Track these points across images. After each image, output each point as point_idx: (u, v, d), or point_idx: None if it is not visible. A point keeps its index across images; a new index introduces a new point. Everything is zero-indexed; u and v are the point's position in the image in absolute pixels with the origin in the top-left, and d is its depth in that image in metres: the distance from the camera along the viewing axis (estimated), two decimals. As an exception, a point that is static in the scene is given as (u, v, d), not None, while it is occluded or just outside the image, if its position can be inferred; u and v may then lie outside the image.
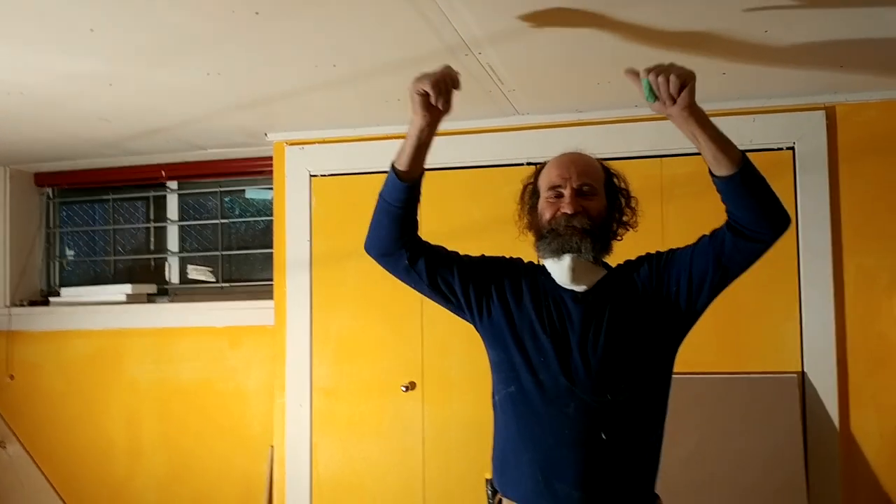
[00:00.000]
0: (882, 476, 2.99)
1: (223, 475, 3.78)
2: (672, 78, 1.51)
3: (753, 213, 1.60)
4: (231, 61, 2.54)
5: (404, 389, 3.35)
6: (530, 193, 1.89)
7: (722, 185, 1.60)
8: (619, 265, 1.85)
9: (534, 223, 1.84)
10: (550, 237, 1.74)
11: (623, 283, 1.79)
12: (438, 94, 1.64)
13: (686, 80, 1.52)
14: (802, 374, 3.04)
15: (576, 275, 1.74)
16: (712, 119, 1.60)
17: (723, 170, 1.58)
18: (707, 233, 1.72)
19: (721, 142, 1.58)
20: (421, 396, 3.36)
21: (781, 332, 3.08)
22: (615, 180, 1.87)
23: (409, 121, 1.71)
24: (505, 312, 1.80)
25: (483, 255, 1.92)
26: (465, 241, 3.29)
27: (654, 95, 1.56)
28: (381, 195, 1.80)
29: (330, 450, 3.46)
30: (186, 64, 2.56)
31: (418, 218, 1.84)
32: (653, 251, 1.84)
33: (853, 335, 3.04)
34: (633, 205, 1.88)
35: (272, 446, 3.59)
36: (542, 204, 1.81)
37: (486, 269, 1.86)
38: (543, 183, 1.82)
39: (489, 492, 1.86)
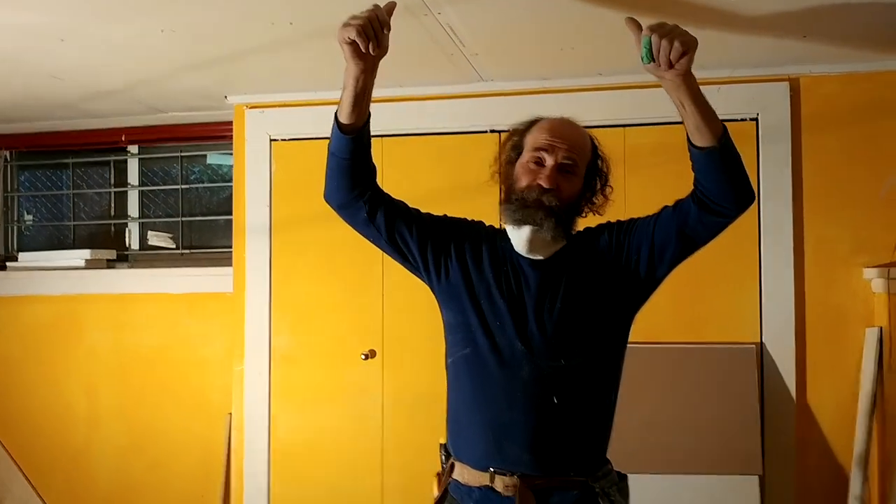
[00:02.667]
0: (835, 445, 3.02)
1: (182, 443, 3.75)
2: (676, 44, 1.43)
3: (724, 187, 1.58)
4: (186, 17, 2.46)
5: (364, 357, 3.33)
6: (513, 145, 1.84)
7: (699, 155, 1.56)
8: (578, 232, 1.83)
9: (507, 179, 1.81)
10: (517, 205, 1.72)
11: (582, 250, 1.78)
12: (367, 40, 1.57)
13: (688, 48, 1.44)
14: (761, 345, 3.05)
15: (533, 246, 1.73)
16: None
17: (704, 141, 1.54)
18: (669, 203, 1.70)
19: (707, 113, 1.53)
20: (381, 364, 3.34)
21: (741, 303, 3.09)
22: (599, 162, 1.83)
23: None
24: (463, 274, 1.78)
25: (445, 215, 1.90)
26: (428, 208, 3.29)
27: (651, 56, 1.47)
28: (328, 148, 1.76)
29: (289, 417, 3.44)
30: (141, 19, 2.48)
31: (375, 170, 1.81)
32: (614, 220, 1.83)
33: (812, 307, 3.06)
34: (607, 193, 1.85)
35: (230, 414, 3.55)
36: (521, 165, 1.77)
37: (446, 229, 1.84)
38: (530, 141, 1.78)
39: (443, 456, 1.86)
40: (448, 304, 1.82)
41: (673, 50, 1.44)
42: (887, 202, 2.99)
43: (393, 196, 1.85)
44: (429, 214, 1.87)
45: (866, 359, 2.98)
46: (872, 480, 2.95)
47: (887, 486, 2.87)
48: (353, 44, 1.58)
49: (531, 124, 1.82)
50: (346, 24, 1.57)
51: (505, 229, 1.81)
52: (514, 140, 1.84)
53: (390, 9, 1.64)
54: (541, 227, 1.69)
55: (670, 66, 1.46)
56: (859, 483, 2.90)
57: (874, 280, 2.98)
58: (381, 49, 1.62)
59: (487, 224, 1.89)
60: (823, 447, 3.03)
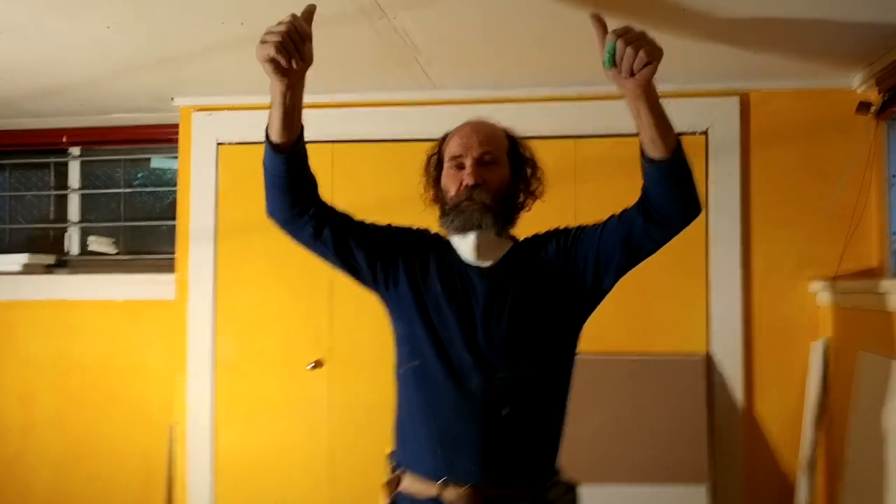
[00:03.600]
0: (781, 456, 3.05)
1: (122, 454, 3.62)
2: (641, 54, 1.39)
3: (672, 200, 1.56)
4: (133, 12, 2.38)
5: (310, 367, 3.26)
6: (435, 164, 1.85)
7: (652, 167, 1.54)
8: (526, 239, 1.83)
9: (438, 196, 1.81)
10: (453, 214, 1.71)
11: (529, 257, 1.76)
12: (288, 55, 1.46)
13: (653, 58, 1.41)
14: (708, 356, 3.07)
15: (481, 251, 1.72)
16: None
17: (657, 153, 1.51)
18: (616, 213, 1.69)
19: (663, 125, 1.50)
20: (328, 374, 3.28)
21: (689, 315, 3.11)
22: (520, 149, 1.83)
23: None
24: (411, 285, 1.76)
25: (390, 225, 1.87)
26: (378, 216, 3.25)
27: (613, 61, 1.43)
28: (263, 164, 1.69)
29: (233, 429, 3.35)
30: (84, 13, 2.39)
31: (316, 183, 1.76)
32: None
33: (759, 318, 3.09)
34: (538, 175, 1.84)
35: (171, 425, 3.45)
36: (444, 177, 1.78)
37: (393, 240, 1.82)
38: (446, 153, 1.79)
39: (390, 466, 1.83)
40: (398, 315, 1.80)
41: (637, 59, 1.40)
42: (833, 217, 3.04)
43: (337, 208, 1.81)
44: (374, 225, 1.84)
45: (812, 370, 3.02)
46: (819, 488, 2.99)
47: (834, 493, 2.91)
48: (273, 61, 1.47)
49: (444, 139, 1.84)
50: (263, 41, 1.47)
51: (449, 241, 1.80)
52: (433, 160, 1.86)
53: (309, 15, 1.54)
54: (481, 226, 1.68)
55: (632, 74, 1.42)
56: (805, 491, 2.93)
57: (820, 293, 3.03)
58: (305, 62, 1.52)
59: (433, 232, 1.87)
60: (771, 456, 3.06)
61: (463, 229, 1.70)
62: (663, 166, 1.52)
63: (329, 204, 1.79)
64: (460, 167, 1.74)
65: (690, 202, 1.57)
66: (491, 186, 1.71)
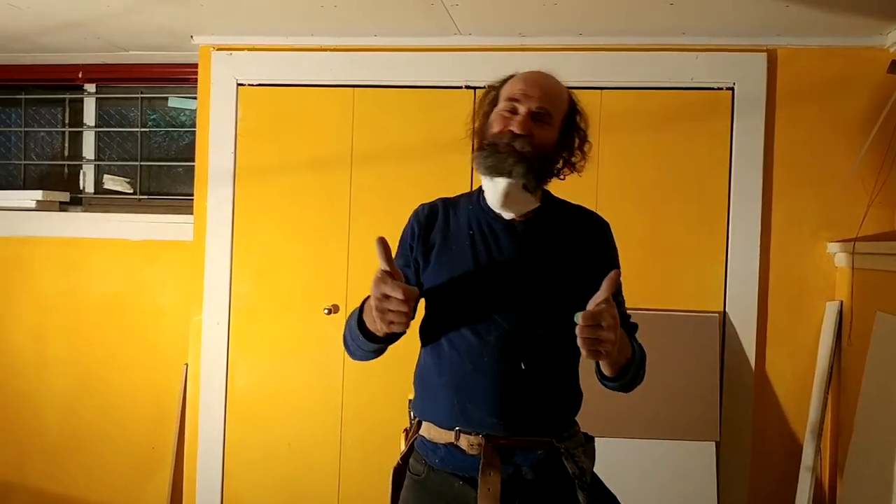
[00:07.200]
0: (790, 414, 3.07)
1: (134, 392, 3.65)
2: (590, 347, 1.48)
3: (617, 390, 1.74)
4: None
5: (327, 312, 3.27)
6: (490, 100, 1.78)
7: (603, 379, 1.70)
8: (563, 202, 1.81)
9: (481, 130, 1.77)
10: (488, 151, 1.67)
11: (564, 222, 1.76)
12: (409, 322, 1.52)
13: (599, 357, 1.51)
14: (724, 314, 3.08)
15: (508, 200, 1.68)
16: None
17: (610, 375, 1.66)
18: (629, 317, 1.78)
19: (618, 366, 1.64)
20: (343, 320, 3.27)
21: (707, 273, 3.11)
22: (577, 118, 1.78)
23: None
24: (429, 257, 1.75)
25: (401, 245, 1.83)
26: (399, 162, 3.25)
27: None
28: (347, 331, 1.77)
29: (247, 370, 3.37)
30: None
31: None
32: (596, 211, 1.84)
33: (775, 278, 3.09)
34: (584, 149, 1.81)
35: (186, 364, 3.48)
36: (495, 115, 1.72)
37: (411, 251, 1.79)
38: (504, 93, 1.73)
39: (411, 412, 1.83)
40: (427, 283, 1.77)
41: (588, 350, 1.48)
42: (856, 178, 3.02)
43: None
44: (402, 253, 1.81)
45: (825, 332, 3.03)
46: (825, 451, 3.02)
47: (839, 457, 2.93)
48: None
49: (508, 78, 1.78)
50: (382, 316, 1.51)
51: (459, 198, 1.81)
52: (490, 95, 1.79)
53: (414, 295, 1.54)
54: (510, 174, 1.64)
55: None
56: (811, 454, 2.95)
57: (837, 254, 3.02)
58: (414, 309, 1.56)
59: (426, 205, 1.83)
60: (779, 416, 3.08)
61: (493, 171, 1.65)
62: (613, 384, 1.70)
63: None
64: (513, 112, 1.69)
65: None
66: (534, 141, 1.66)
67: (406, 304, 1.49)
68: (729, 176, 3.09)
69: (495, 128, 1.69)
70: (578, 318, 1.47)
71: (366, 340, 1.69)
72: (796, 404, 3.06)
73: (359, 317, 1.69)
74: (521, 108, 1.68)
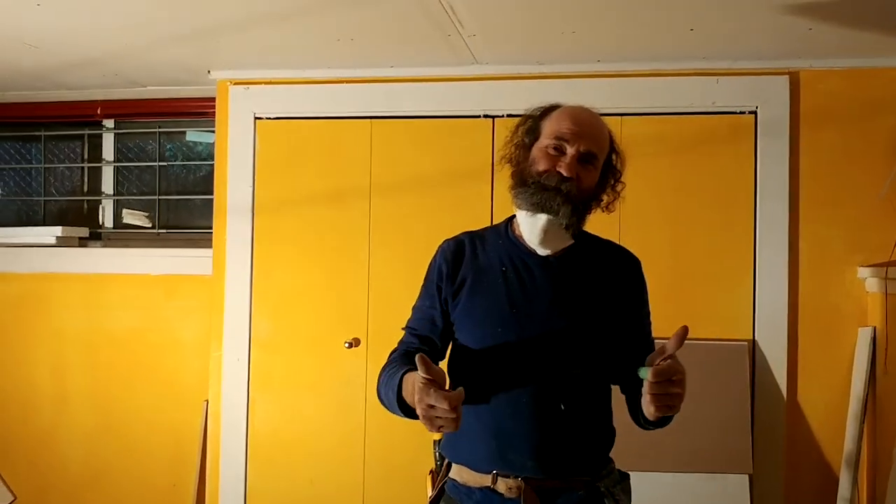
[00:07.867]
0: (825, 446, 2.99)
1: (155, 428, 3.63)
2: (666, 403, 1.47)
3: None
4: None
5: (348, 346, 3.23)
6: (528, 129, 1.73)
7: (642, 421, 1.67)
8: (595, 237, 1.78)
9: (519, 163, 1.71)
10: (535, 188, 1.62)
11: (599, 259, 1.73)
12: (456, 424, 1.41)
13: (673, 412, 1.50)
14: (753, 343, 3.01)
15: (547, 237, 1.64)
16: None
17: (651, 418, 1.59)
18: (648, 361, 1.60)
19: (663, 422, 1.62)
20: (365, 353, 3.25)
21: (735, 300, 3.04)
22: (614, 157, 1.75)
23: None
24: (462, 301, 1.70)
25: (427, 284, 1.78)
26: (417, 192, 3.22)
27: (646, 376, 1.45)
28: (388, 405, 1.67)
29: (268, 406, 3.33)
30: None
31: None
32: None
33: (805, 306, 3.02)
34: (618, 189, 1.77)
35: (207, 401, 3.44)
36: (539, 149, 1.67)
37: (438, 293, 1.74)
38: (549, 128, 1.67)
39: (436, 454, 1.80)
40: (459, 318, 1.73)
41: (660, 406, 1.47)
42: (886, 201, 2.95)
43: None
44: (428, 294, 1.77)
45: (858, 359, 2.95)
46: (862, 482, 2.93)
47: (877, 488, 2.85)
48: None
49: (549, 110, 1.72)
50: (435, 424, 1.42)
51: (485, 231, 1.77)
52: (529, 124, 1.73)
53: (460, 399, 1.43)
54: (557, 213, 1.60)
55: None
56: (848, 485, 2.87)
57: (868, 279, 2.95)
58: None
59: (451, 240, 1.79)
60: (813, 447, 3.00)
61: (539, 208, 1.61)
62: (653, 427, 1.66)
63: (426, 335, 1.74)
64: (559, 150, 1.64)
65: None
66: (581, 185, 1.63)
67: (454, 412, 1.40)
68: (754, 200, 3.04)
69: (541, 166, 1.64)
70: (647, 373, 1.43)
71: (405, 416, 1.60)
72: (830, 435, 2.98)
73: (398, 394, 1.59)
74: (570, 150, 1.63)
